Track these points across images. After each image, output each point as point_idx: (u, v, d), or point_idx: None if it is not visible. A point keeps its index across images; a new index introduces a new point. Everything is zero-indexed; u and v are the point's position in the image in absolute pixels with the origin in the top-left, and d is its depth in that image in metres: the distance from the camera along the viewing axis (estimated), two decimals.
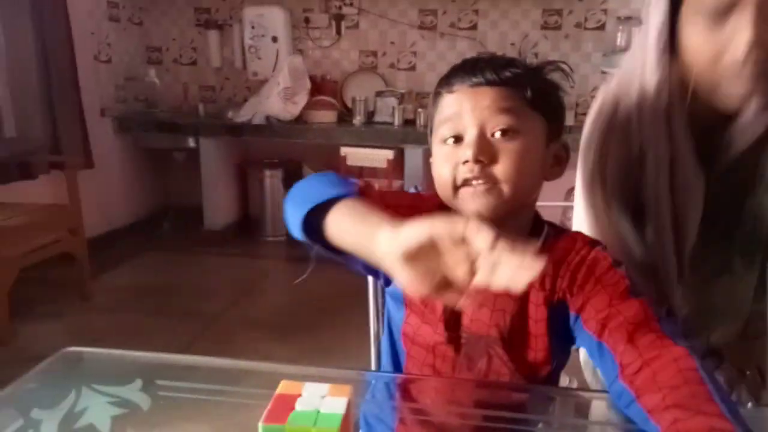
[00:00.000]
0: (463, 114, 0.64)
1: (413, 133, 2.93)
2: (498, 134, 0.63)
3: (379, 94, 3.20)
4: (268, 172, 3.29)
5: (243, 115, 2.98)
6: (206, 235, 3.21)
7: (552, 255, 0.66)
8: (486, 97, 0.64)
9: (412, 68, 3.34)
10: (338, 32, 3.32)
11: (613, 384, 0.57)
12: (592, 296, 0.62)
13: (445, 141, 0.66)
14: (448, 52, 3.26)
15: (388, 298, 0.74)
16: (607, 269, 0.64)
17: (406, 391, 0.73)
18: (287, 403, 0.47)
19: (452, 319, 0.68)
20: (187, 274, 2.88)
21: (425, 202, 0.70)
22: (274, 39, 3.19)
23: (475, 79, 0.65)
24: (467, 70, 0.66)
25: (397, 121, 3.07)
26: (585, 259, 0.65)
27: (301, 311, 2.44)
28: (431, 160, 0.69)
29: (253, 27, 3.19)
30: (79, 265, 2.42)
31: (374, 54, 3.37)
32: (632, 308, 0.58)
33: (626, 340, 0.56)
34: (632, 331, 0.56)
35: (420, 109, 3.13)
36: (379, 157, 2.93)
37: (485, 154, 0.62)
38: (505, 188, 0.63)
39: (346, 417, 0.47)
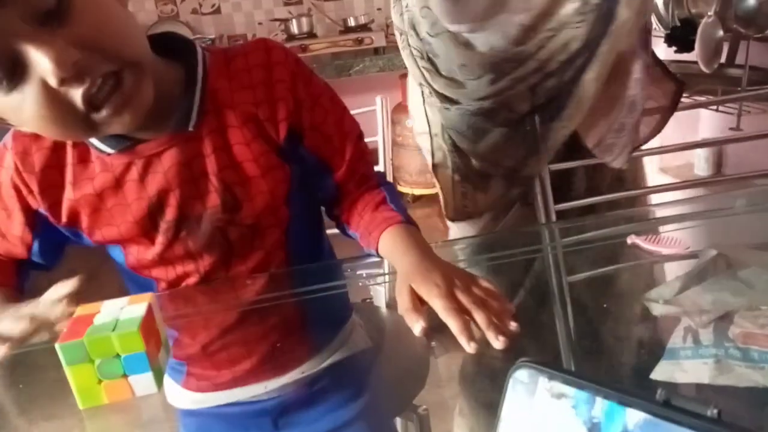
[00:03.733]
0: None
1: None
2: (43, 17, 0.45)
3: None
4: None
5: None
6: None
7: (234, 81, 0.58)
8: None
9: (218, 11, 3.18)
10: None
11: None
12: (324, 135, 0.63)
13: None
14: None
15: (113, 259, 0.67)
16: (309, 75, 0.62)
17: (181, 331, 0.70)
18: (85, 321, 0.48)
19: (160, 223, 0.61)
20: None
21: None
22: None
23: None
24: None
25: None
26: (283, 65, 0.60)
27: None
28: None
29: None
30: None
31: (173, 1, 3.14)
32: (345, 140, 0.65)
33: (352, 201, 0.66)
34: (356, 192, 0.66)
35: None
36: None
37: (69, 54, 0.45)
38: (120, 67, 0.48)
39: (148, 318, 0.49)
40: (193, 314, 0.68)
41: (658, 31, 1.49)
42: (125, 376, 0.47)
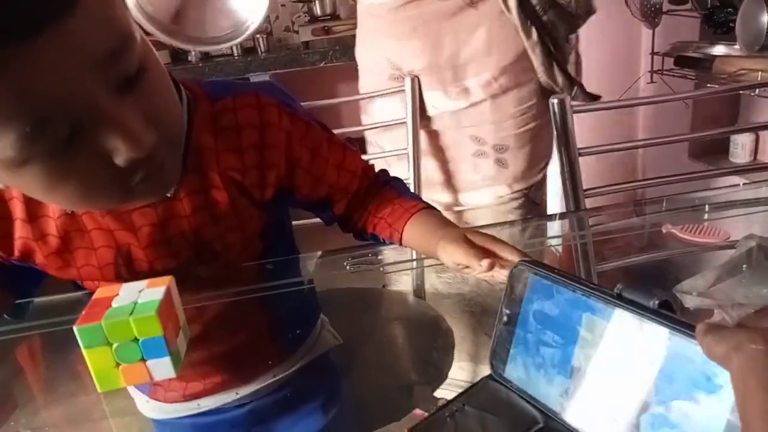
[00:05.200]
0: (50, 88, 0.35)
1: (256, 60, 2.83)
2: (122, 83, 0.39)
3: None
4: None
5: None
6: None
7: (220, 140, 0.53)
8: (72, 37, 0.35)
9: None
10: None
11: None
12: (314, 171, 0.59)
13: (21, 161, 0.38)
14: None
15: None
16: (305, 128, 0.57)
17: None
18: (103, 304, 0.48)
19: (127, 274, 0.56)
20: None
21: None
22: None
23: (25, 19, 0.33)
24: None
25: (236, 51, 2.93)
26: (277, 127, 0.54)
27: None
28: None
29: None
30: None
31: None
32: (350, 179, 0.63)
33: (363, 208, 0.64)
34: (365, 200, 0.64)
35: (258, 35, 3.00)
36: None
37: (148, 134, 0.40)
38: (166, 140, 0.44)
39: (166, 302, 0.48)
40: None
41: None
42: (143, 360, 0.46)
